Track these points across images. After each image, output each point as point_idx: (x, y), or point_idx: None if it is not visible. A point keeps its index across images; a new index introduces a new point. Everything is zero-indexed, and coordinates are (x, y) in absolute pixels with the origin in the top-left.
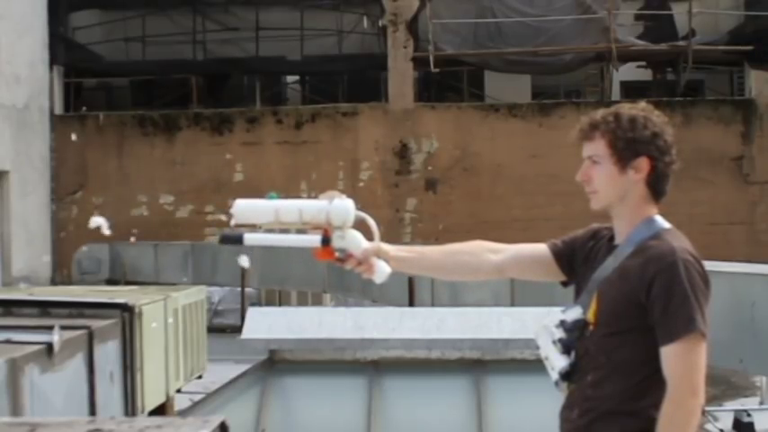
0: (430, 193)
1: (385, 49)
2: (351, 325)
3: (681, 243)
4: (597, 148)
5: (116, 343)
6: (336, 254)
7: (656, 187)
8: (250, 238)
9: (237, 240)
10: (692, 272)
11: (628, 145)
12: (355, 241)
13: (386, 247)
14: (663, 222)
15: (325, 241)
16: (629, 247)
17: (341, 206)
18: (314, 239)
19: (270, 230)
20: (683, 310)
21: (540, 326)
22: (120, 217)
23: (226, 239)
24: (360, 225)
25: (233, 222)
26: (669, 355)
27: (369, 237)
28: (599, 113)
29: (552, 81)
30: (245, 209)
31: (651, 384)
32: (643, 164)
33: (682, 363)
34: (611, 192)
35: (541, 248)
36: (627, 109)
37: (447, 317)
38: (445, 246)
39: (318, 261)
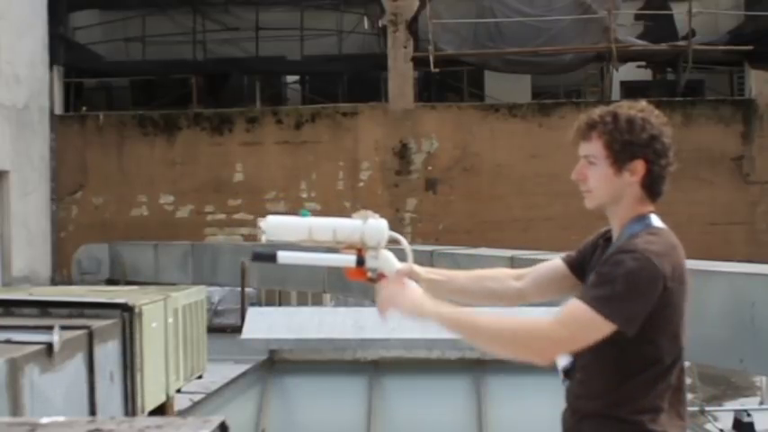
0: (430, 193)
1: (385, 50)
2: (351, 325)
3: (653, 245)
4: (593, 148)
5: (116, 343)
6: (368, 274)
7: (652, 188)
8: (283, 256)
9: (270, 258)
10: (639, 272)
11: (624, 147)
12: (388, 262)
13: (417, 268)
14: (653, 221)
15: (360, 262)
16: (615, 245)
17: (375, 226)
18: (348, 259)
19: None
20: (604, 290)
21: None
22: (120, 217)
23: (258, 257)
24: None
25: (264, 238)
26: (571, 306)
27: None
28: (597, 112)
29: (552, 81)
30: (277, 225)
31: (636, 388)
32: (639, 167)
33: (574, 319)
34: (606, 192)
35: (557, 263)
36: (626, 109)
37: None
38: (471, 271)
39: (350, 280)
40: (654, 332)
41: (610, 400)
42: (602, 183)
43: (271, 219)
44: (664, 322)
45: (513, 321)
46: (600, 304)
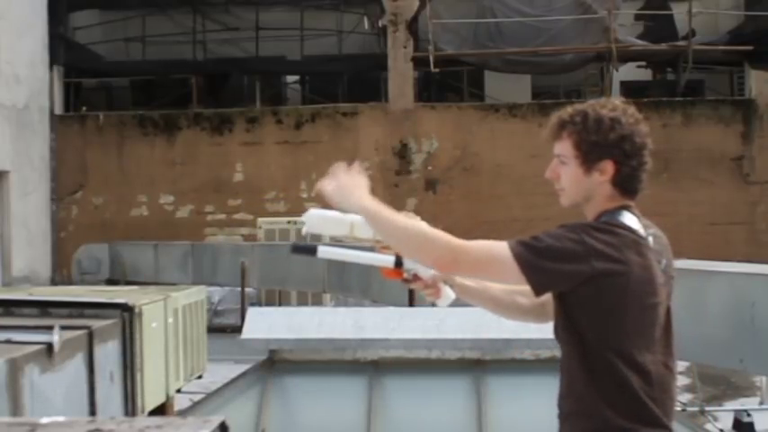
0: (430, 193)
1: (385, 49)
2: (351, 325)
3: (595, 230)
4: (564, 148)
5: (116, 343)
6: (404, 274)
7: (624, 186)
8: (324, 250)
9: (310, 251)
10: (563, 237)
11: (591, 148)
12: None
13: None
14: (619, 216)
15: (399, 263)
16: None
17: None
18: (387, 260)
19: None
20: (527, 239)
21: None
22: (120, 217)
23: (298, 250)
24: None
25: (304, 231)
26: (495, 242)
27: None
28: (569, 111)
29: (552, 81)
30: (318, 219)
31: (600, 386)
32: (608, 167)
33: (489, 249)
34: (577, 192)
35: None
36: (597, 108)
37: (447, 317)
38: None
39: (385, 278)
40: (605, 331)
41: (579, 397)
42: (572, 182)
43: (312, 211)
44: (610, 321)
45: (424, 230)
46: (517, 243)
